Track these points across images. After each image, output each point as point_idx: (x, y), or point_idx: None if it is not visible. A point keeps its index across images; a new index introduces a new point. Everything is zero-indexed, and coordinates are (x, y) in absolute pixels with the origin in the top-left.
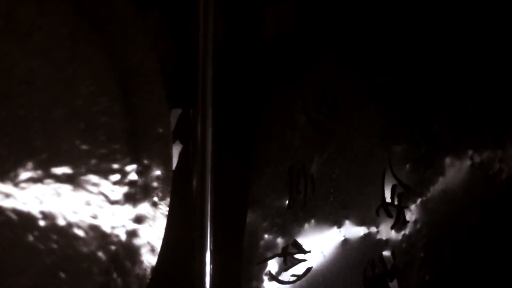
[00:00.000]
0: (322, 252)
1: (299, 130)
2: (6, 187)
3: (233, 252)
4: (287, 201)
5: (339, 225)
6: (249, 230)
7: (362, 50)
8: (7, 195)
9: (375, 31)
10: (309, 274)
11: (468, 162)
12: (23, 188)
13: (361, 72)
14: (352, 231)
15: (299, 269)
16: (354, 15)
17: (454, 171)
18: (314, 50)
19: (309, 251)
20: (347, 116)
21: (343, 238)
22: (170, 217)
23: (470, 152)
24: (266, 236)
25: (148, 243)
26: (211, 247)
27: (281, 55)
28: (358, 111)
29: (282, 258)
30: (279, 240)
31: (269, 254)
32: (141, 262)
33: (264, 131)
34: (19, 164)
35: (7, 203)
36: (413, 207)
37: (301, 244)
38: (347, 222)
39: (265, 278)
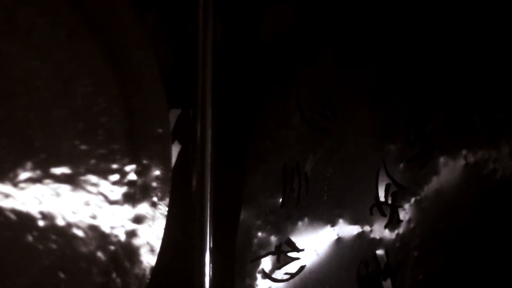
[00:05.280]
0: (315, 251)
1: (293, 128)
2: (5, 187)
3: (232, 252)
4: (280, 199)
5: (333, 224)
6: (242, 228)
7: (357, 49)
8: (6, 195)
9: (371, 31)
10: (302, 272)
11: (462, 162)
12: (22, 188)
13: (356, 71)
14: (346, 229)
15: (292, 267)
16: (349, 14)
17: (448, 171)
18: (309, 49)
19: (302, 250)
20: (342, 115)
21: (336, 237)
22: (170, 217)
23: (464, 151)
24: (259, 234)
25: (148, 243)
26: (211, 247)
27: (279, 56)
28: (353, 110)
29: (275, 256)
30: (273, 238)
31: (263, 252)
32: (141, 262)
33: (258, 129)
34: (18, 164)
35: (6, 203)
36: (407, 206)
37: (295, 242)
38: (340, 221)
39: (259, 276)
